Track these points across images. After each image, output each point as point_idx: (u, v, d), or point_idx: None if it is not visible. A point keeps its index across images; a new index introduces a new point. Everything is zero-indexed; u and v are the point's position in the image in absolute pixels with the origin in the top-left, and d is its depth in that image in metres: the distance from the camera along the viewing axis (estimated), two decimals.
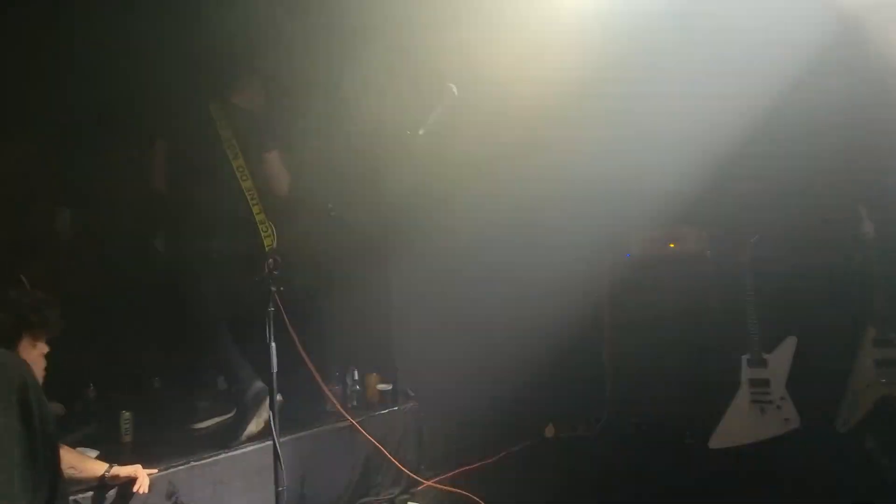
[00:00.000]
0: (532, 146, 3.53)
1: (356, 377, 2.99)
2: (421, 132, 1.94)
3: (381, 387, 2.99)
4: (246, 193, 2.55)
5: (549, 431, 3.55)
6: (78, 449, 2.40)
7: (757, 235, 3.11)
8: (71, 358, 3.15)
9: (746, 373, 3.01)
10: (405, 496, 2.80)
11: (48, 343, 1.53)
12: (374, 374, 3.04)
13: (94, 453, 2.39)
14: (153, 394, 3.53)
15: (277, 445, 1.99)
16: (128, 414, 2.63)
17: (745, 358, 3.02)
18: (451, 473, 3.09)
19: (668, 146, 3.44)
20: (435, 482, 2.88)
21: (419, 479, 2.95)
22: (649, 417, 3.47)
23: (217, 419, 2.94)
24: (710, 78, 3.02)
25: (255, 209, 2.56)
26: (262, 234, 2.58)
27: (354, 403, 2.96)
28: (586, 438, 3.59)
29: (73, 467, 1.77)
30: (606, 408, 3.66)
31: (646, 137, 3.58)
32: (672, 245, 3.52)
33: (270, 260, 1.74)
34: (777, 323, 3.09)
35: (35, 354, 1.37)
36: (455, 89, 2.28)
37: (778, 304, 3.15)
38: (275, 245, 2.57)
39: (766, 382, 2.98)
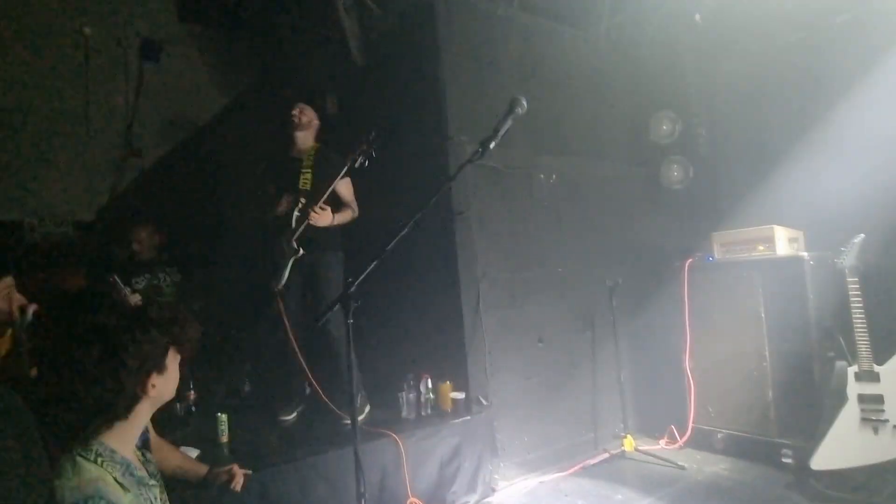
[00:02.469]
0: None
1: (430, 385, 3.04)
2: None
3: (455, 395, 3.02)
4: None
5: (629, 444, 3.40)
6: (181, 448, 2.64)
7: (861, 234, 2.81)
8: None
9: (854, 388, 2.72)
10: None
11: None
12: (448, 382, 3.07)
13: (195, 452, 2.61)
14: (246, 397, 3.83)
15: (358, 451, 2.07)
16: (224, 416, 2.85)
17: (851, 370, 2.73)
18: (527, 482, 3.07)
19: None
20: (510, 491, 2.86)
21: (494, 487, 2.96)
22: (737, 429, 3.25)
23: (300, 409, 3.20)
24: None
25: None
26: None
27: (429, 412, 3.00)
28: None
29: (179, 467, 1.92)
30: (689, 419, 3.45)
31: None
32: (761, 248, 3.26)
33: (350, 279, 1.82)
34: (889, 331, 2.77)
35: (175, 367, 1.47)
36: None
37: (889, 309, 2.83)
38: None
39: (879, 399, 2.67)
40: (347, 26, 3.65)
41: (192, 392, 3.35)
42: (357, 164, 2.86)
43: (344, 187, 3.10)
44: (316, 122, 3.25)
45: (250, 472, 2.14)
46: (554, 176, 3.61)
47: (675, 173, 4.00)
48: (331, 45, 3.78)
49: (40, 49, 4.04)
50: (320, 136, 3.30)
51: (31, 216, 3.95)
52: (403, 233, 1.75)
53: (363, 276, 1.85)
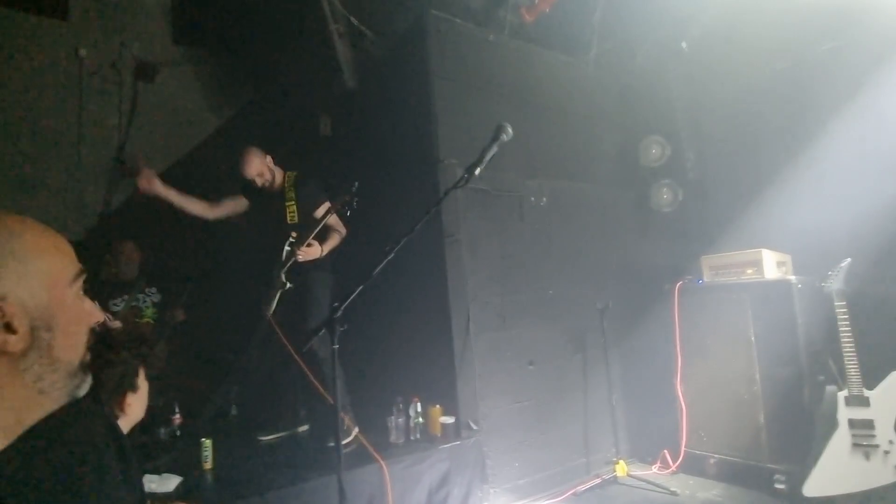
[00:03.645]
0: None
1: (419, 409, 3.00)
2: None
3: (444, 419, 2.98)
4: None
5: (622, 469, 3.35)
6: (163, 475, 2.59)
7: (848, 258, 2.83)
8: (159, 390, 3.50)
9: (845, 412, 2.70)
10: None
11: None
12: (437, 406, 3.03)
13: (177, 479, 2.56)
14: (232, 420, 3.77)
15: (342, 479, 2.03)
16: (208, 442, 2.79)
17: (841, 395, 2.72)
18: None
19: None
20: None
21: None
22: (730, 454, 3.22)
23: (281, 434, 3.23)
24: None
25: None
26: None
27: (418, 436, 2.96)
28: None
29: None
30: (682, 443, 3.41)
31: None
32: (750, 271, 3.27)
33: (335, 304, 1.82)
34: (878, 355, 2.77)
35: (145, 386, 1.48)
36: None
37: (877, 333, 2.84)
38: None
39: (869, 424, 2.66)
40: (340, 51, 3.70)
41: (178, 416, 3.30)
42: (339, 212, 2.90)
43: (323, 212, 3.09)
44: (270, 161, 3.21)
45: None
46: (544, 199, 3.64)
47: (664, 196, 4.04)
48: (323, 69, 3.82)
49: (36, 71, 4.06)
50: (311, 158, 3.32)
51: None
52: (389, 258, 1.75)
53: (349, 300, 1.84)
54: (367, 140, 3.90)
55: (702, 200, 3.99)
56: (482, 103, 3.45)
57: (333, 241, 3.13)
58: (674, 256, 3.77)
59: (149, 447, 2.96)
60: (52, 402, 0.71)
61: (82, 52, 4.26)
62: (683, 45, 3.92)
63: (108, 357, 1.33)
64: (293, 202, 3.15)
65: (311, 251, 3.01)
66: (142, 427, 3.02)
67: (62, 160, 4.13)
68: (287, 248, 3.04)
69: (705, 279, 3.49)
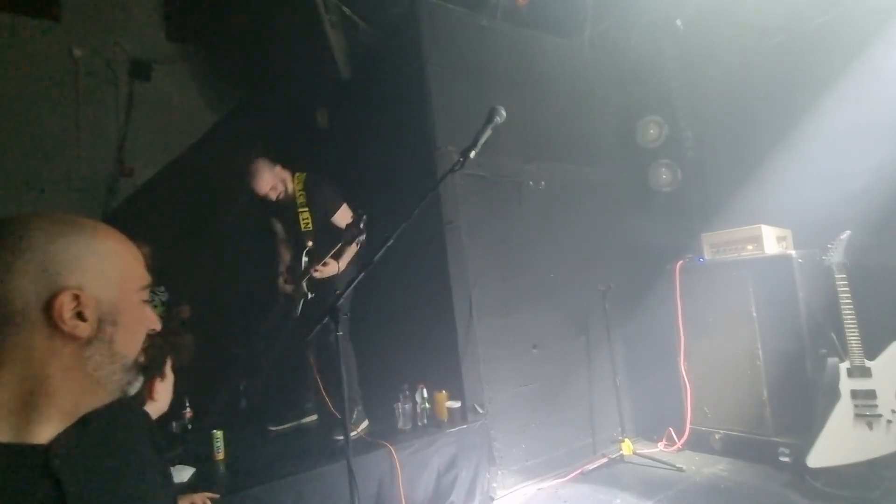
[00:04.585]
0: None
1: (425, 395, 3.03)
2: None
3: (450, 404, 3.01)
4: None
5: (627, 448, 3.39)
6: (177, 466, 2.63)
7: (848, 231, 2.84)
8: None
9: (847, 384, 2.73)
10: None
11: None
12: (443, 391, 3.07)
13: (191, 471, 2.61)
14: (242, 413, 3.83)
15: (351, 464, 2.07)
16: (219, 433, 2.84)
17: (843, 367, 2.74)
18: (525, 490, 3.06)
19: None
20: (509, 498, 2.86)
21: (493, 496, 2.95)
22: (734, 429, 3.25)
23: (290, 424, 3.27)
24: None
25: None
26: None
27: (425, 422, 3.00)
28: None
29: None
30: (686, 420, 3.45)
31: None
32: (750, 248, 3.28)
33: (337, 290, 1.84)
34: (878, 326, 2.79)
35: (171, 377, 1.50)
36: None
37: (878, 304, 2.85)
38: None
39: (871, 394, 2.68)
40: (333, 41, 3.69)
41: (189, 409, 3.35)
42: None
43: (341, 218, 3.08)
44: (279, 170, 3.13)
45: (217, 495, 2.15)
46: (543, 183, 3.64)
47: (663, 176, 4.04)
48: (318, 60, 3.82)
49: (31, 72, 4.07)
50: (294, 168, 3.22)
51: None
52: (388, 244, 1.76)
53: (349, 288, 1.86)
54: (365, 131, 3.90)
55: (701, 179, 3.99)
56: (477, 89, 3.45)
57: (351, 253, 3.05)
58: (674, 236, 3.78)
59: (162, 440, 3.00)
60: (106, 393, 0.77)
61: (77, 52, 4.26)
62: (678, 23, 3.89)
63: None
64: (306, 209, 3.10)
65: (328, 270, 2.95)
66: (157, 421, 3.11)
67: (61, 160, 4.16)
68: (305, 257, 3.04)
69: (706, 257, 3.50)
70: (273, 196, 3.10)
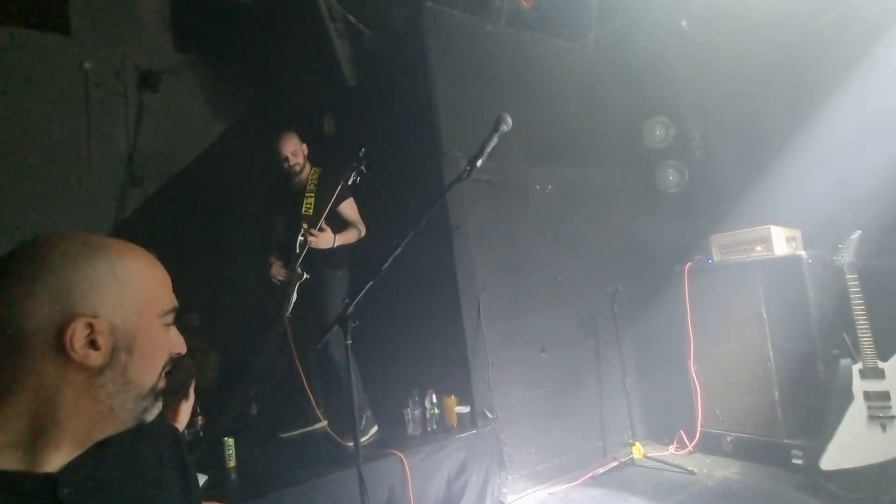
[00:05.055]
0: None
1: (434, 400, 3.04)
2: None
3: (460, 409, 3.02)
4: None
5: (638, 451, 3.38)
6: None
7: (858, 230, 2.81)
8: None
9: (860, 385, 2.70)
10: None
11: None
12: (452, 396, 3.07)
13: (203, 478, 2.63)
14: (254, 419, 3.86)
15: (361, 471, 2.08)
16: (231, 441, 2.87)
17: (856, 368, 2.72)
18: (536, 494, 3.06)
19: None
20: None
21: (503, 501, 2.95)
22: (746, 432, 3.23)
23: (301, 430, 3.29)
24: None
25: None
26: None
27: (434, 427, 3.01)
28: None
29: None
30: (697, 423, 3.43)
31: None
32: (759, 248, 3.26)
33: (346, 299, 1.86)
34: (891, 327, 2.76)
35: (193, 396, 1.50)
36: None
37: (891, 305, 2.82)
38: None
39: (885, 395, 2.65)
40: (339, 49, 3.71)
41: (200, 417, 3.38)
42: (350, 182, 2.90)
43: (347, 208, 3.13)
44: (305, 149, 3.27)
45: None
46: (549, 186, 3.64)
47: (670, 177, 4.02)
48: (324, 68, 3.85)
49: (41, 84, 4.13)
50: (315, 159, 3.33)
51: None
52: (397, 252, 1.78)
53: (359, 297, 1.88)
54: (371, 137, 3.92)
55: (708, 179, 3.96)
56: (483, 94, 3.46)
57: (350, 235, 3.10)
58: (682, 237, 3.75)
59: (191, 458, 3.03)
60: (119, 421, 0.75)
61: (86, 64, 4.32)
62: (683, 23, 3.88)
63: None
64: (313, 195, 3.15)
65: (324, 236, 2.96)
66: None
67: (71, 172, 4.21)
68: (300, 237, 3.03)
69: (715, 258, 3.48)
70: (291, 162, 3.16)
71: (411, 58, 3.46)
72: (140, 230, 4.36)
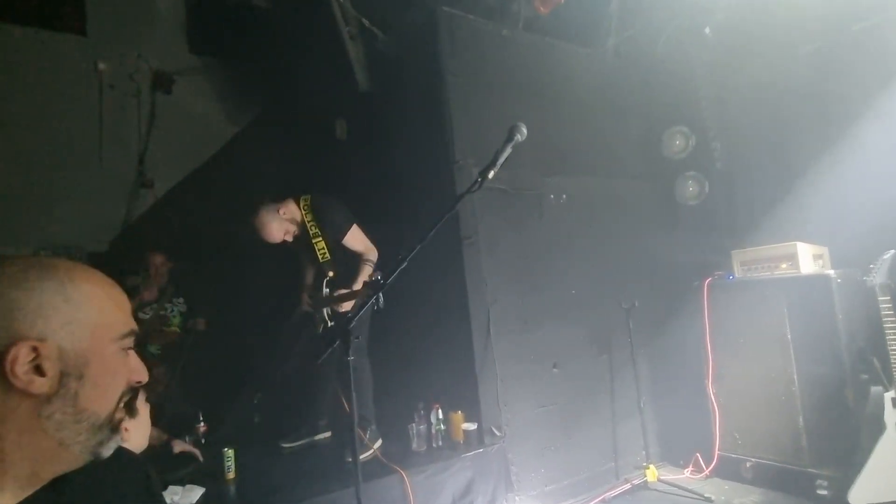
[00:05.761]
0: None
1: (440, 416, 2.94)
2: None
3: (466, 426, 2.91)
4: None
5: (652, 474, 3.24)
6: (187, 486, 2.59)
7: (892, 250, 2.66)
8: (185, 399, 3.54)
9: (893, 414, 2.54)
10: None
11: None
12: (459, 412, 2.97)
13: (201, 491, 2.56)
14: (256, 428, 3.79)
15: (360, 492, 1.99)
16: (231, 452, 2.79)
17: (888, 396, 2.56)
18: None
19: None
20: None
21: None
22: (767, 458, 3.08)
23: (303, 441, 3.20)
24: None
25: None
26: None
27: (440, 443, 2.90)
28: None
29: None
30: (714, 446, 3.28)
31: None
32: (784, 266, 3.11)
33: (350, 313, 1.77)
34: None
35: (146, 414, 1.43)
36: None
37: None
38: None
39: None
40: (352, 53, 3.65)
41: (203, 423, 3.32)
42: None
43: (352, 240, 3.00)
44: (288, 210, 3.03)
45: None
46: (564, 196, 3.53)
47: (690, 189, 3.89)
48: (336, 72, 3.79)
49: (55, 84, 4.13)
50: (297, 198, 3.12)
51: (43, 248, 4.00)
52: (402, 267, 1.69)
53: (361, 311, 1.79)
54: (383, 142, 3.86)
55: (730, 192, 3.82)
56: (498, 100, 3.36)
57: (364, 273, 2.96)
58: (702, 252, 3.62)
59: (173, 458, 2.98)
60: (72, 457, 0.68)
61: (101, 65, 4.32)
62: (707, 30, 3.75)
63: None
64: (320, 238, 3.01)
65: (348, 306, 2.88)
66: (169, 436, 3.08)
67: (83, 172, 4.20)
68: (326, 288, 2.99)
69: (736, 275, 3.34)
70: (289, 239, 3.03)
71: (425, 62, 3.38)
72: (149, 232, 4.34)
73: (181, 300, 4.11)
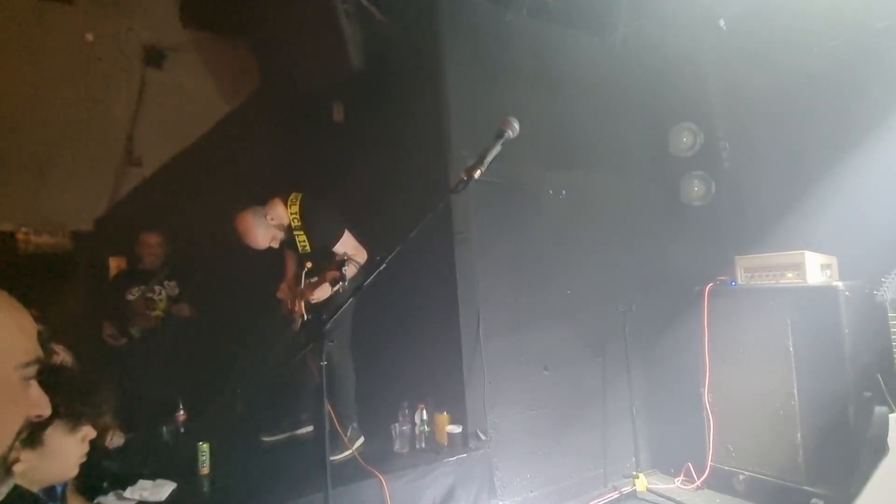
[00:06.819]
0: None
1: (425, 417, 2.84)
2: None
3: (451, 429, 2.81)
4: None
5: (641, 484, 3.15)
6: (157, 481, 2.49)
7: None
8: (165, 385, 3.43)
9: None
10: None
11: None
12: (444, 413, 2.87)
13: (172, 486, 2.47)
14: (235, 417, 3.69)
15: (329, 498, 1.89)
16: (205, 446, 2.69)
17: (893, 417, 2.44)
18: None
19: None
20: None
21: None
22: (761, 472, 2.98)
23: (283, 435, 3.14)
24: None
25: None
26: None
27: (423, 445, 2.81)
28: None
29: None
30: (707, 457, 3.18)
31: None
32: (790, 275, 2.98)
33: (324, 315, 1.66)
34: None
35: (63, 444, 1.22)
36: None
37: None
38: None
39: None
40: (348, 31, 3.48)
41: (182, 413, 3.23)
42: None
43: (343, 247, 2.86)
44: (271, 218, 2.88)
45: None
46: (563, 192, 3.39)
47: (695, 189, 3.74)
48: (331, 51, 3.62)
49: (40, 54, 3.96)
50: (284, 197, 2.97)
51: (26, 226, 3.88)
52: (381, 268, 1.56)
53: (337, 314, 1.67)
54: (379, 127, 3.71)
55: (737, 194, 3.67)
56: (498, 89, 3.21)
57: (350, 272, 2.81)
58: (705, 255, 3.48)
59: (148, 449, 2.89)
60: None
61: (89, 36, 4.15)
62: (721, 22, 3.57)
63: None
64: (302, 232, 2.89)
65: (320, 293, 2.78)
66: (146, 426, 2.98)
67: (69, 147, 4.05)
68: (304, 280, 2.88)
69: (739, 281, 3.21)
70: (276, 246, 2.91)
71: (424, 45, 3.22)
72: (136, 212, 4.20)
73: (173, 283, 3.99)
